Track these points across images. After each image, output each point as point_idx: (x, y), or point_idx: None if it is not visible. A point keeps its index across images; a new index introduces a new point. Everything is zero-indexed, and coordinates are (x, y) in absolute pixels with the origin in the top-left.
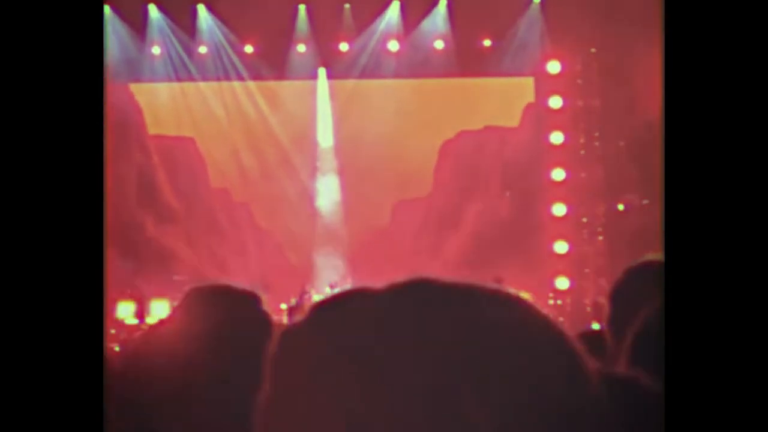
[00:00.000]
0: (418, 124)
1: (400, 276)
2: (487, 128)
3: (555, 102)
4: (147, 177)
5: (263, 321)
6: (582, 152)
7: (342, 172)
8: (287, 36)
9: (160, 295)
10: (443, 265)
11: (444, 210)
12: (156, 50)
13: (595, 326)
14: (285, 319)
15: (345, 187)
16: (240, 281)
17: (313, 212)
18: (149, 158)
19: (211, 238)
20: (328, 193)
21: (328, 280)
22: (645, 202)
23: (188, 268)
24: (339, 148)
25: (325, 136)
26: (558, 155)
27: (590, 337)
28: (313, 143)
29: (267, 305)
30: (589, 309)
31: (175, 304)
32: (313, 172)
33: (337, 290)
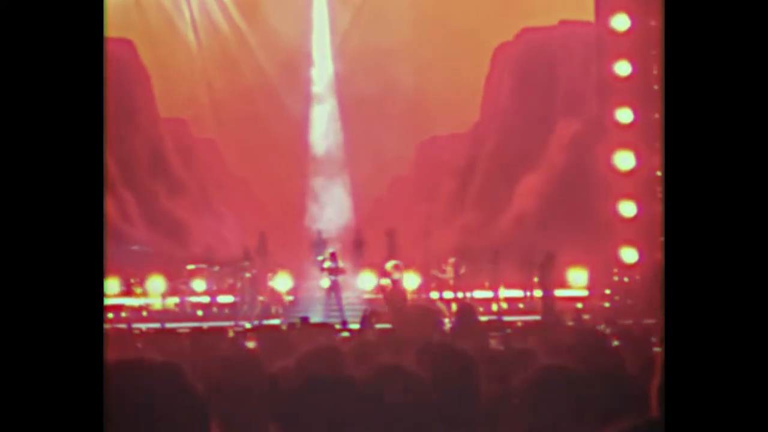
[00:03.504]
0: (452, 31)
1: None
2: (563, 23)
3: (620, 22)
4: None
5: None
6: (655, 87)
7: (344, 103)
8: None
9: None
10: (490, 236)
11: (498, 148)
12: None
13: None
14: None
15: (349, 121)
16: (203, 252)
17: (306, 155)
18: None
19: (157, 186)
20: (326, 130)
21: (326, 248)
22: None
23: (134, 235)
24: (341, 72)
25: (322, 58)
26: (624, 90)
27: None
28: (306, 67)
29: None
30: None
31: None
32: (306, 103)
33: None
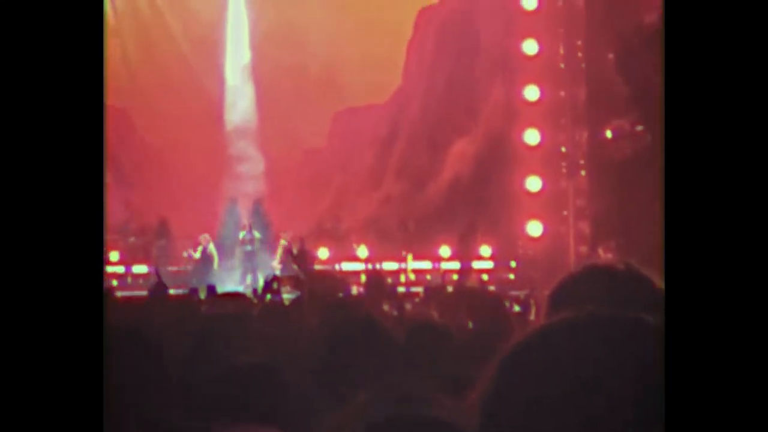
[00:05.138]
0: (358, 21)
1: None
2: None
3: (529, 3)
4: None
5: None
6: (561, 65)
7: (259, 77)
8: None
9: None
10: (390, 207)
11: (420, 115)
12: None
13: None
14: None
15: (263, 95)
16: (120, 222)
17: (221, 127)
18: None
19: None
20: (240, 103)
21: (239, 221)
22: (638, 128)
23: None
24: (256, 47)
25: (238, 32)
26: (531, 69)
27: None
28: (222, 43)
29: None
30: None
31: None
32: (221, 77)
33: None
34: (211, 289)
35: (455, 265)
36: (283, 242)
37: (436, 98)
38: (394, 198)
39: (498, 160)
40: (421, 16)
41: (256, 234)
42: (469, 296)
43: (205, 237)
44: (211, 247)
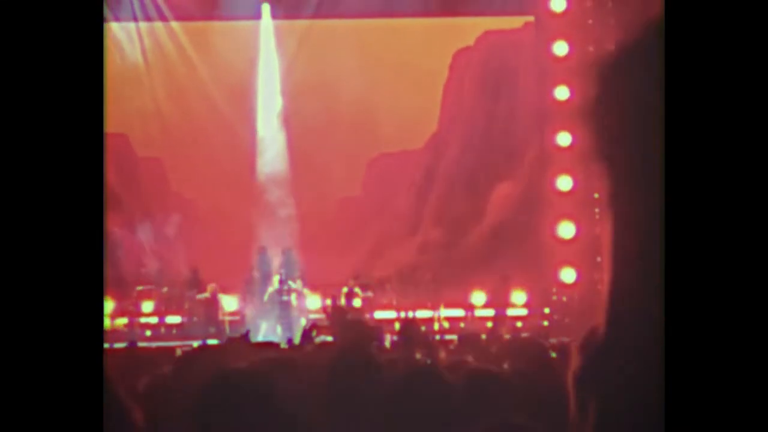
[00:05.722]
0: (392, 68)
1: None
2: (528, 25)
3: (560, 48)
4: None
5: None
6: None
7: (291, 126)
8: None
9: None
10: (421, 249)
11: (454, 165)
12: None
13: None
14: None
15: (294, 147)
16: (149, 271)
17: (253, 178)
18: None
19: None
20: (272, 152)
21: (272, 271)
22: None
23: None
24: (288, 94)
25: (269, 83)
26: (563, 114)
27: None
28: (253, 93)
29: None
30: None
31: None
32: (253, 127)
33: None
34: (244, 336)
35: (489, 312)
36: (344, 290)
37: (471, 143)
38: (431, 245)
39: (531, 206)
40: (456, 59)
41: (291, 283)
42: (507, 343)
43: (211, 286)
44: (218, 295)
